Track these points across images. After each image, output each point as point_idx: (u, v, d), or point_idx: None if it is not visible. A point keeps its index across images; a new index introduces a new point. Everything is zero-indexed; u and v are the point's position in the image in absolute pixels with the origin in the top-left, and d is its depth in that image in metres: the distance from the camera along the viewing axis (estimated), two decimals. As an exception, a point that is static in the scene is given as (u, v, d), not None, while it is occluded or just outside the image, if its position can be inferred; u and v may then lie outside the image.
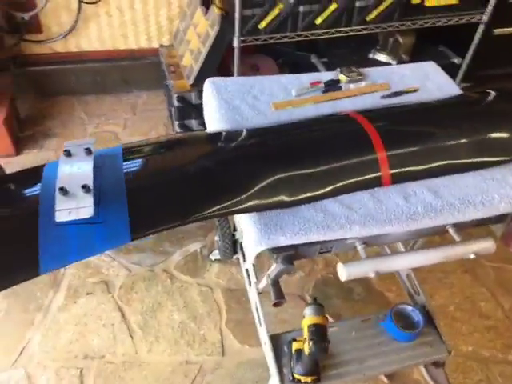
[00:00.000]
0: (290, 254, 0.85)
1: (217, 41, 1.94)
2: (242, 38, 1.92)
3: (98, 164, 0.79)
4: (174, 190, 0.79)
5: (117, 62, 2.48)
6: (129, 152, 0.86)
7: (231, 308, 1.61)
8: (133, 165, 0.83)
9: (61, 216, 0.65)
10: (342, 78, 1.19)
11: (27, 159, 2.14)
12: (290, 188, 0.87)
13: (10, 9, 2.13)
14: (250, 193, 0.83)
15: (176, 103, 2.05)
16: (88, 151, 0.76)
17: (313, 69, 2.33)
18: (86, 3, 2.25)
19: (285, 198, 0.86)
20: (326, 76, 1.21)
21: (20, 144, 2.19)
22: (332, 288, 1.67)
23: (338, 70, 1.22)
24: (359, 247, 0.89)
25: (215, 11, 1.95)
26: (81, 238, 0.67)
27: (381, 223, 0.86)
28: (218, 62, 2.03)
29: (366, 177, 0.91)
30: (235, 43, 1.92)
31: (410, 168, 0.94)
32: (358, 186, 0.90)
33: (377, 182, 0.91)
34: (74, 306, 1.59)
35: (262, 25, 1.93)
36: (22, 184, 0.76)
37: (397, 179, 0.93)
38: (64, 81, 2.46)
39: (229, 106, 1.08)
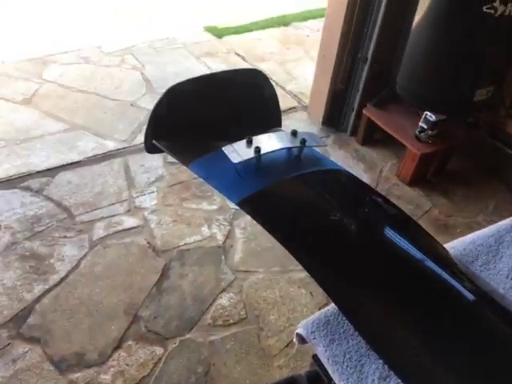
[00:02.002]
0: (319, 375, 0.67)
1: None
2: None
3: (306, 155, 0.86)
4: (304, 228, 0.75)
5: None
6: (332, 177, 0.86)
7: None
8: (306, 192, 0.83)
9: (227, 148, 0.80)
10: None
11: (408, 193, 2.29)
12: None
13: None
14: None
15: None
16: (302, 141, 0.84)
17: None
18: None
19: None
20: None
21: (418, 182, 2.34)
22: None
23: None
24: None
25: None
26: (222, 170, 0.81)
27: None
28: None
29: None
30: None
31: None
32: None
33: None
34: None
35: None
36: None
37: None
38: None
39: (497, 250, 0.82)
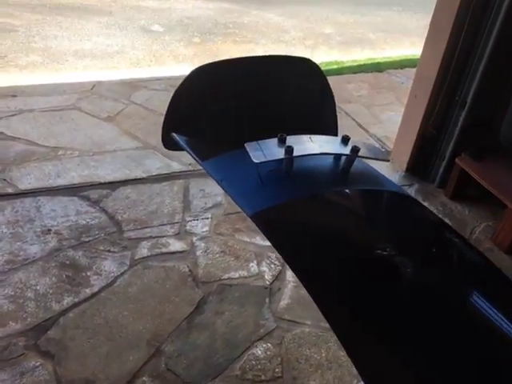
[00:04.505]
0: None
1: None
2: None
3: (357, 169, 0.64)
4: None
5: None
6: (388, 201, 0.62)
7: None
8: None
9: (250, 145, 0.62)
10: None
11: (504, 261, 1.90)
12: None
13: None
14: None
15: None
16: (354, 150, 0.62)
17: None
18: None
19: None
20: None
21: None
22: None
23: None
24: None
25: None
26: (242, 172, 0.62)
27: None
28: None
29: None
30: None
31: None
32: None
33: None
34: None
35: None
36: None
37: None
38: None
39: None
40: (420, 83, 2.25)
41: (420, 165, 2.38)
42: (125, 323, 1.49)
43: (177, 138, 0.73)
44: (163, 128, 0.74)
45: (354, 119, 2.95)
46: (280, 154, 0.61)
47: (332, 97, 0.79)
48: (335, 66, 3.90)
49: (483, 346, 0.48)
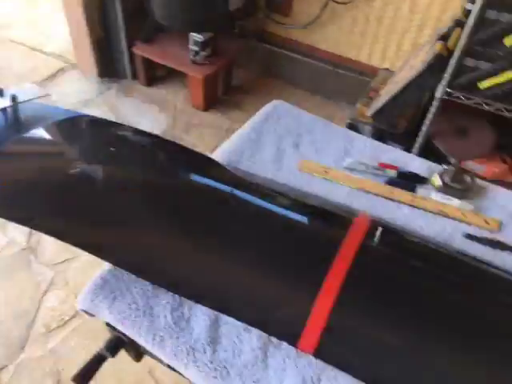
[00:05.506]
0: (117, 339, 0.61)
1: (414, 81, 1.56)
2: (448, 90, 1.51)
3: (28, 113, 0.72)
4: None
5: (336, 67, 2.34)
6: (64, 129, 0.76)
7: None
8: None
9: None
10: (435, 181, 0.74)
11: (207, 118, 2.29)
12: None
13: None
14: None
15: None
16: (13, 99, 0.70)
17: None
18: (336, 2, 2.15)
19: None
20: (412, 164, 0.79)
21: (213, 104, 2.35)
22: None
23: (443, 168, 0.77)
24: None
25: (436, 48, 1.56)
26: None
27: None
28: (408, 107, 1.66)
29: (280, 321, 0.55)
30: (438, 93, 1.53)
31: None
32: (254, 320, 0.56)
33: (290, 335, 0.54)
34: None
35: (484, 84, 1.45)
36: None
37: (327, 350, 0.53)
38: (285, 67, 2.49)
39: (259, 140, 0.83)
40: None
41: (108, 66, 2.46)
42: None
43: None
44: None
45: (23, 44, 2.71)
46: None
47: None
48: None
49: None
